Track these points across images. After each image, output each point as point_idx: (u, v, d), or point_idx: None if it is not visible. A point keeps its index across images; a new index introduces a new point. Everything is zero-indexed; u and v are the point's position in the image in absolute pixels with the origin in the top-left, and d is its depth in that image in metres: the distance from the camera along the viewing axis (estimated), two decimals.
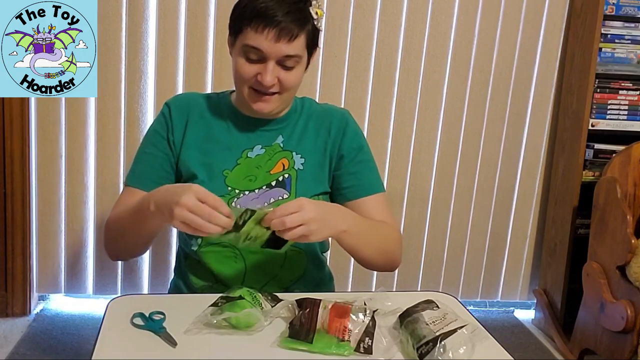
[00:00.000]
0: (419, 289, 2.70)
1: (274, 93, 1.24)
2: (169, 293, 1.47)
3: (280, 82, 1.23)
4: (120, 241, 1.31)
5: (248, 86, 1.25)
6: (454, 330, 0.99)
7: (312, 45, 1.27)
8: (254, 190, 1.30)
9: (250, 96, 1.26)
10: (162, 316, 1.06)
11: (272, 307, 1.09)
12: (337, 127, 1.37)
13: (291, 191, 1.31)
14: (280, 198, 1.30)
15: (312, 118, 1.38)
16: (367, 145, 1.41)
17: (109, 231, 1.32)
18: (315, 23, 1.24)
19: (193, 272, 1.36)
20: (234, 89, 1.35)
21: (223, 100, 1.37)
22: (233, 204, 1.27)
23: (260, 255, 1.30)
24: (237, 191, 1.28)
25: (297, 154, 1.34)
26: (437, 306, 1.08)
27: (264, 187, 1.30)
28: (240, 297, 1.05)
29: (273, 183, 1.31)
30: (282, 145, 1.34)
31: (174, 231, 2.48)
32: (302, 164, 1.33)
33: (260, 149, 1.33)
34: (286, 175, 1.32)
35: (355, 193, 1.36)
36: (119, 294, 1.61)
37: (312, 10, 1.23)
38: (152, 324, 1.04)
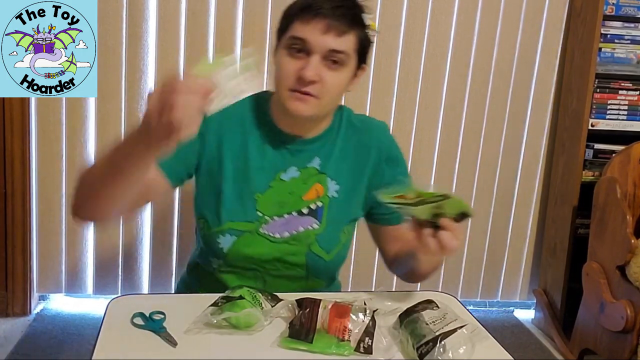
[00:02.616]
0: (418, 289, 2.69)
1: (312, 95, 1.14)
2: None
3: (322, 81, 1.13)
4: (95, 193, 1.04)
5: (288, 87, 1.15)
6: (454, 330, 0.99)
7: (361, 54, 1.20)
8: (282, 216, 1.23)
9: (289, 96, 1.15)
10: (162, 316, 1.06)
11: (272, 306, 1.09)
12: (378, 150, 1.30)
13: (322, 221, 1.25)
14: (309, 228, 1.24)
15: (352, 137, 1.29)
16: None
17: (83, 182, 1.06)
18: (368, 31, 1.18)
19: (206, 289, 1.29)
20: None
21: (263, 105, 1.26)
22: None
23: (282, 279, 1.26)
24: (266, 217, 1.22)
25: (332, 180, 1.26)
26: (437, 306, 1.08)
27: (294, 213, 1.23)
28: (240, 297, 1.05)
29: (304, 210, 1.24)
30: (319, 168, 1.26)
31: (175, 233, 2.48)
32: (336, 191, 1.26)
33: (295, 172, 1.25)
34: (319, 204, 1.25)
35: (399, 218, 1.31)
36: (119, 294, 1.61)
37: (366, 18, 1.18)
38: (153, 323, 1.04)
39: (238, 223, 1.21)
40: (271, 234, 1.23)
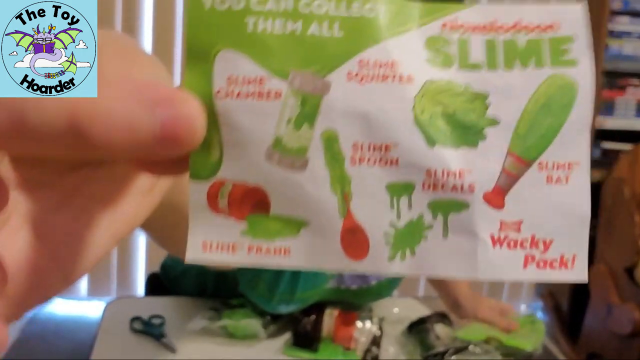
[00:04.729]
0: (421, 293, 2.66)
1: None
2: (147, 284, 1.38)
3: None
4: None
5: None
6: (465, 347, 0.96)
7: None
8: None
9: None
10: (161, 320, 1.04)
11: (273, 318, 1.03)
12: None
13: None
14: (383, 278, 1.09)
15: None
16: None
17: None
18: None
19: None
20: None
21: None
22: None
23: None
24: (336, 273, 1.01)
25: None
26: (450, 322, 1.05)
27: None
28: (242, 305, 1.02)
29: None
30: None
31: None
32: None
33: None
34: None
35: None
36: (114, 296, 1.57)
37: None
38: (151, 328, 1.02)
39: (307, 292, 1.03)
40: (339, 286, 1.07)
